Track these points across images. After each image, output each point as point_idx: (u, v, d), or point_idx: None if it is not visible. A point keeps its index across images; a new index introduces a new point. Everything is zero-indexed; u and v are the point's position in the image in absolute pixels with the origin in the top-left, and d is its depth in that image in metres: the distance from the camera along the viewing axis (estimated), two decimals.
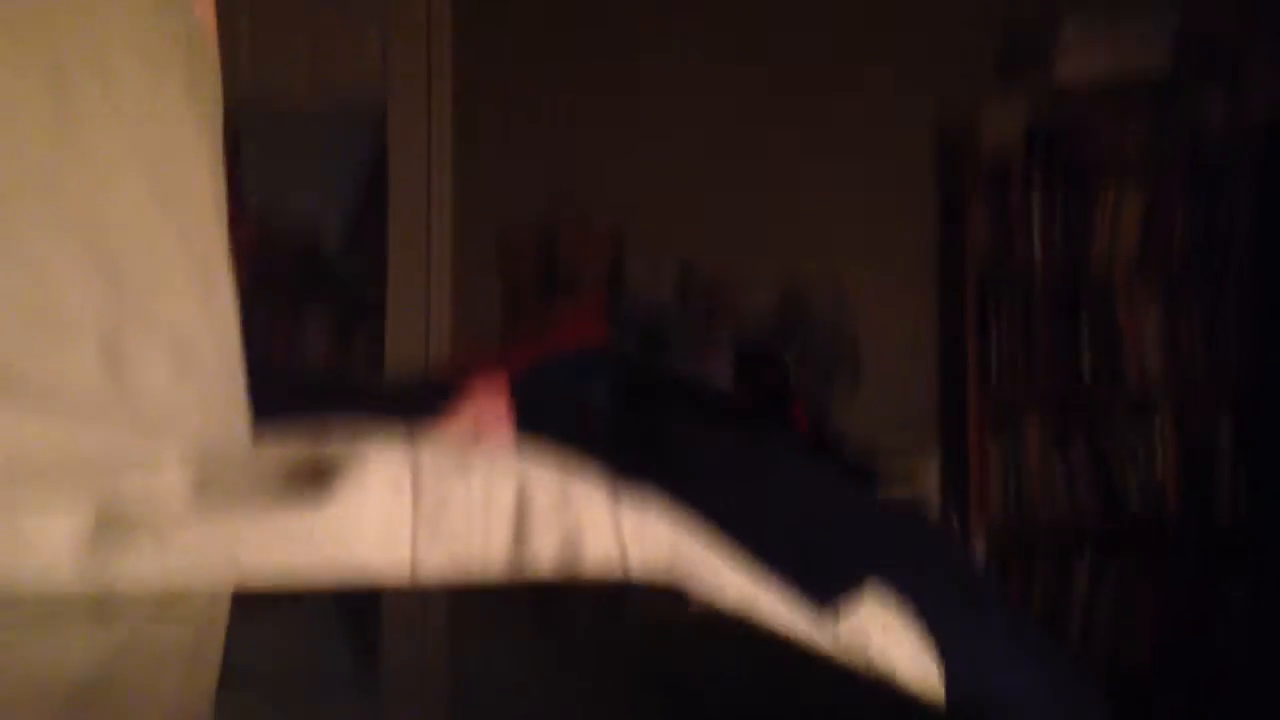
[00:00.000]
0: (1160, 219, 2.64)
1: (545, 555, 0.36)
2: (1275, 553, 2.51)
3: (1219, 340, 2.61)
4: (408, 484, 0.35)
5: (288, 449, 0.36)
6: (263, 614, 0.30)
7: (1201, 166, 2.62)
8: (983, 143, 2.65)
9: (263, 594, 0.31)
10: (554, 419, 1.36)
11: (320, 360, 3.20)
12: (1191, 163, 2.62)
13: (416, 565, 0.34)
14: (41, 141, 0.39)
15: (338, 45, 3.17)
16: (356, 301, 3.20)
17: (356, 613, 0.30)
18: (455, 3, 3.13)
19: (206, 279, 0.45)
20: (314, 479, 0.35)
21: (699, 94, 3.01)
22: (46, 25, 0.40)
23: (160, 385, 0.41)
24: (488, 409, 1.08)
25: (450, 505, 0.35)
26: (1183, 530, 2.60)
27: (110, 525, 0.31)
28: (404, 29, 3.15)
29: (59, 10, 0.41)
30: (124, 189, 0.42)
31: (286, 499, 0.35)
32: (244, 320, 0.49)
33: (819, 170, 2.95)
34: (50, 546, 0.30)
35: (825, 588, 0.61)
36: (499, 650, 0.25)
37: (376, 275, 3.18)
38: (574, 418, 1.45)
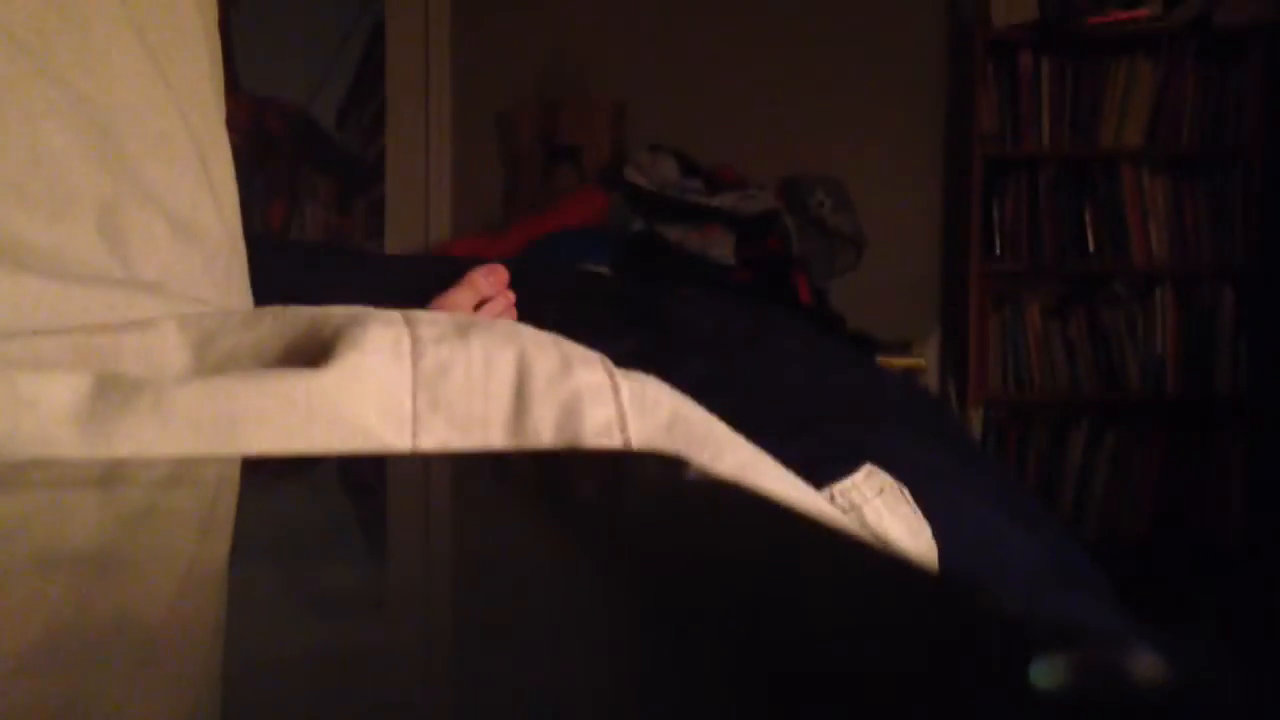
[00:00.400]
0: (1171, 97, 2.60)
1: (546, 421, 0.36)
2: (1274, 427, 2.54)
3: (1224, 217, 2.60)
4: (407, 350, 0.35)
5: (288, 315, 0.36)
6: (271, 481, 0.30)
7: (1213, 43, 2.57)
8: (993, 21, 2.59)
9: (271, 461, 0.31)
10: (556, 292, 1.36)
11: (319, 227, 3.18)
12: (1203, 39, 2.57)
13: (417, 431, 0.34)
14: (33, 8, 0.38)
15: None
16: (355, 170, 3.16)
17: (362, 480, 0.30)
18: None
19: (205, 149, 0.45)
20: (314, 344, 0.35)
21: None
22: None
23: (161, 254, 0.40)
24: (489, 285, 1.08)
25: (450, 371, 0.35)
26: (1181, 404, 2.63)
27: (108, 385, 0.31)
28: None
29: None
30: (118, 59, 0.41)
31: (286, 362, 0.35)
32: (242, 189, 0.49)
33: (828, 47, 2.90)
34: (48, 404, 0.30)
35: (823, 453, 0.62)
36: (499, 515, 0.26)
37: (375, 145, 3.14)
38: (575, 290, 1.45)
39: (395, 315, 0.36)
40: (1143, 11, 2.56)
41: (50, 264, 0.36)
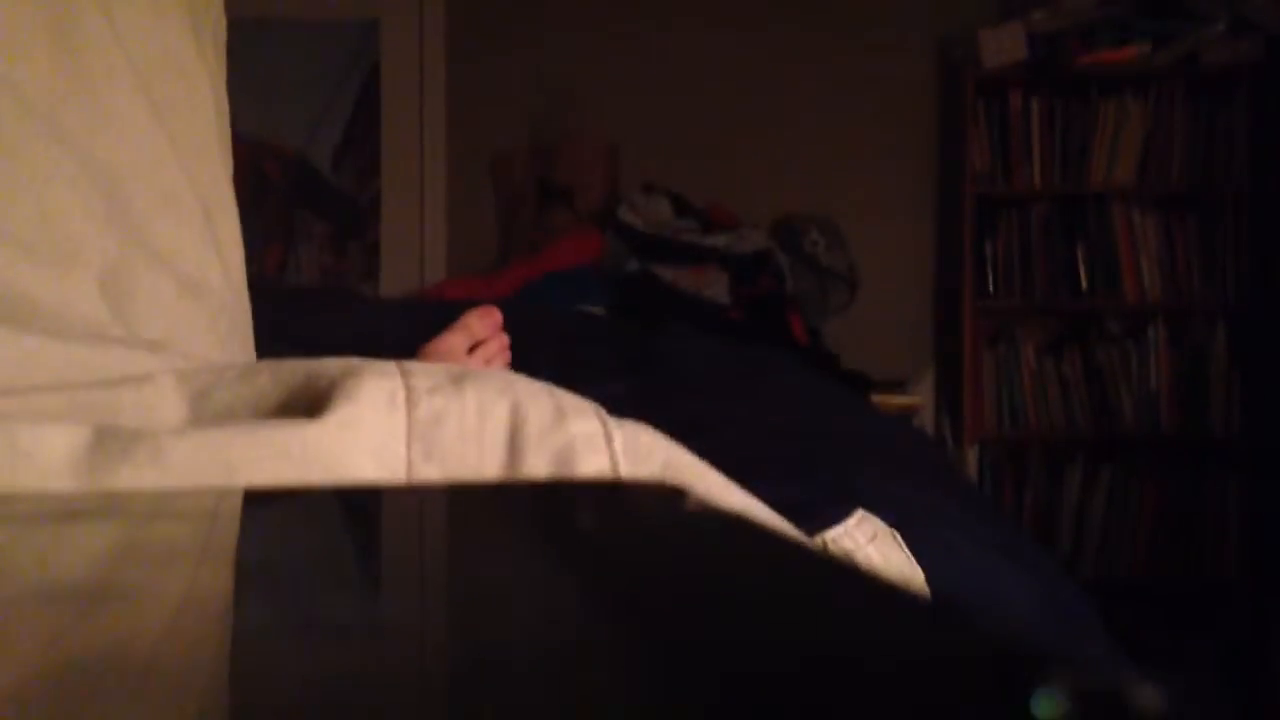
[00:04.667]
0: (1160, 136, 2.62)
1: (539, 470, 0.36)
2: (1269, 464, 2.54)
3: (1216, 255, 2.62)
4: (402, 400, 0.35)
5: (284, 369, 0.37)
6: (266, 511, 0.30)
7: (1201, 82, 2.60)
8: (983, 63, 2.62)
9: (266, 492, 0.31)
10: (550, 334, 1.36)
11: (315, 270, 3.19)
12: (1191, 79, 2.59)
13: (411, 480, 0.34)
14: (43, 71, 0.39)
15: None
16: (351, 213, 3.18)
17: (358, 511, 0.30)
18: None
19: (210, 206, 0.45)
20: (310, 396, 0.35)
21: (697, 12, 2.96)
22: None
23: (165, 312, 0.41)
24: (484, 327, 1.09)
25: (445, 422, 0.35)
26: (1177, 441, 2.63)
27: (107, 437, 0.31)
28: None
29: None
30: (126, 118, 0.42)
31: (283, 415, 0.35)
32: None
33: (820, 88, 2.92)
34: (47, 457, 0.31)
35: (815, 497, 0.62)
36: (497, 544, 0.26)
37: (370, 188, 3.16)
38: (570, 332, 1.45)
39: (390, 366, 0.37)
40: (1130, 51, 2.59)
41: (54, 321, 0.36)
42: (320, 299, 1.98)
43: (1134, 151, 2.63)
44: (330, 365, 0.37)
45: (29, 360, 0.35)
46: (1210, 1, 2.53)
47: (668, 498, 0.30)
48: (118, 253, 0.39)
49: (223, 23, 0.50)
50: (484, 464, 0.35)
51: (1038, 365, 2.70)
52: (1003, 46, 2.60)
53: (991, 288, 2.69)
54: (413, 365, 0.37)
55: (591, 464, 0.36)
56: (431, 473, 0.35)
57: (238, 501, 0.31)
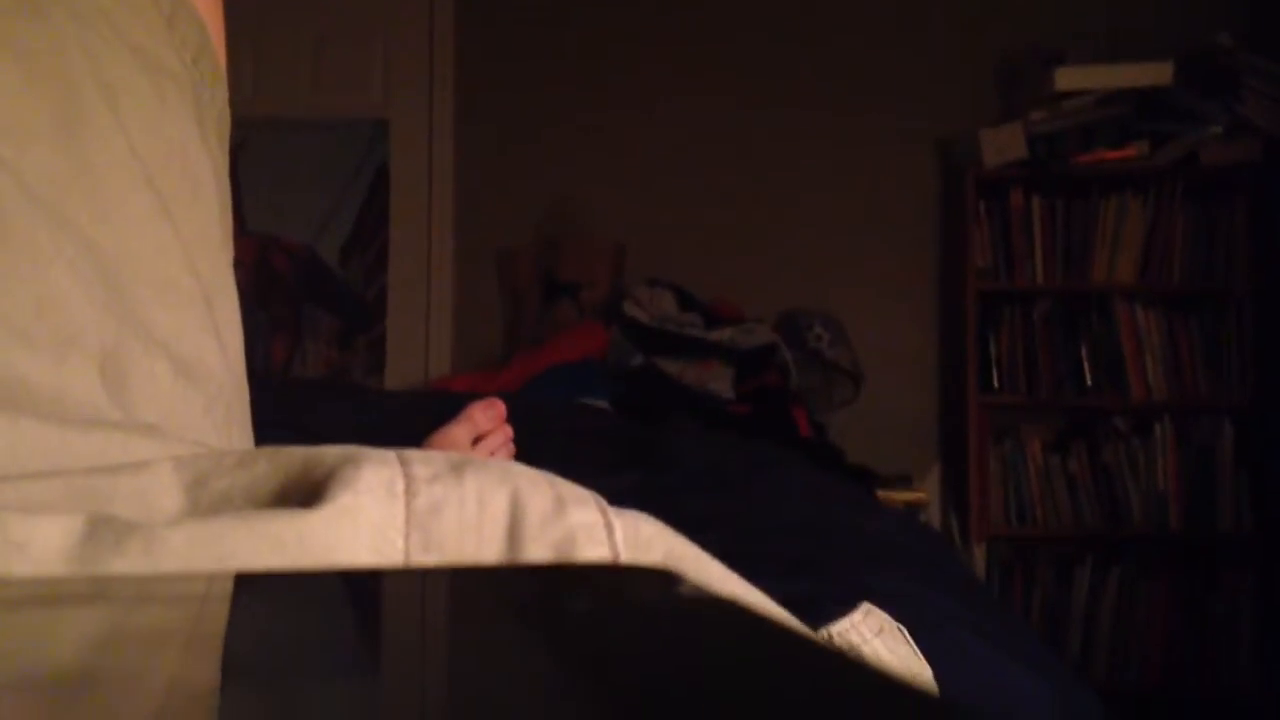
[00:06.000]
0: (1160, 234, 2.64)
1: (539, 561, 0.36)
2: (1278, 562, 2.51)
3: (1220, 353, 2.62)
4: (401, 488, 0.35)
5: (282, 456, 0.36)
6: (259, 594, 0.30)
7: (1200, 182, 2.62)
8: (984, 161, 2.66)
9: (259, 575, 0.31)
10: (555, 427, 1.36)
11: (321, 364, 3.20)
12: (1190, 178, 2.62)
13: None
14: (47, 159, 0.40)
15: (341, 57, 3.18)
16: (358, 308, 3.20)
17: (352, 594, 0.30)
18: (458, 16, 3.14)
19: (211, 293, 0.46)
20: (307, 484, 0.35)
21: (701, 111, 3.02)
22: (56, 45, 0.41)
23: (162, 397, 0.41)
24: (487, 419, 1.08)
25: (443, 511, 0.35)
26: (1186, 540, 2.60)
27: (100, 527, 0.31)
28: (407, 41, 3.16)
29: (69, 30, 0.42)
30: (129, 206, 0.42)
31: (280, 503, 0.35)
32: (246, 326, 0.50)
33: (823, 189, 2.97)
34: (40, 548, 0.30)
35: (821, 592, 0.61)
36: (493, 629, 0.25)
37: (377, 283, 3.19)
38: (574, 426, 1.45)
39: (389, 454, 0.36)
40: (1129, 151, 2.62)
41: (51, 406, 0.36)
42: (325, 391, 1.98)
43: (1135, 250, 2.65)
44: (329, 453, 0.36)
45: (25, 445, 0.34)
46: (1208, 103, 2.57)
47: (661, 581, 0.30)
48: (115, 337, 0.39)
49: (226, 113, 0.51)
50: (482, 554, 0.35)
51: (1044, 462, 2.68)
52: (1003, 146, 2.64)
53: (996, 384, 2.69)
54: (412, 453, 0.37)
55: (591, 555, 0.36)
56: (429, 563, 0.34)
57: (229, 585, 0.30)
